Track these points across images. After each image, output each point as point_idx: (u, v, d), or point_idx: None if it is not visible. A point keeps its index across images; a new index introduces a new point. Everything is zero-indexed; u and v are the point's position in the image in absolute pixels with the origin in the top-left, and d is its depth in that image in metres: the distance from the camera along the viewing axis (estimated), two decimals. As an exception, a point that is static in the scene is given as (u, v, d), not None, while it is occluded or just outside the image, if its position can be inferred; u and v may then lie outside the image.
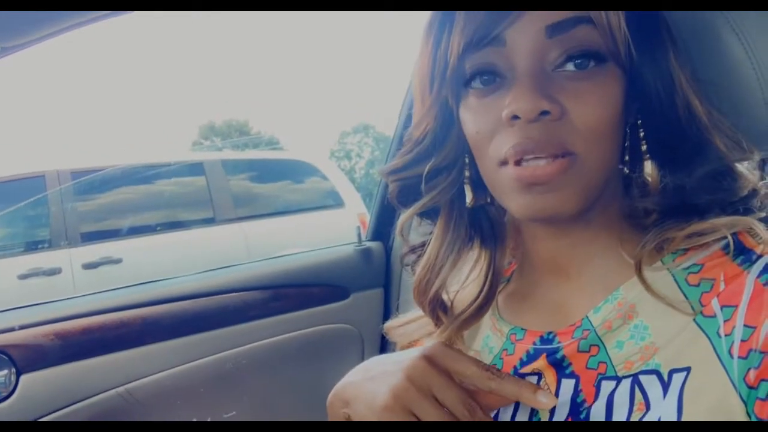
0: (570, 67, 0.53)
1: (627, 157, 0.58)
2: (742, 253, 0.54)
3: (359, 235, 1.58)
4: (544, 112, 0.51)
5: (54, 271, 3.40)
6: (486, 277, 0.67)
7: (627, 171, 0.59)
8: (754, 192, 0.57)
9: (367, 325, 1.53)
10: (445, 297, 0.68)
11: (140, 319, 1.27)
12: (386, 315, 1.59)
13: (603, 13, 0.53)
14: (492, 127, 0.55)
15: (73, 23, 0.77)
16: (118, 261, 3.55)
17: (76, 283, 3.38)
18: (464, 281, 0.68)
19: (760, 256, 0.53)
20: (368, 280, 1.57)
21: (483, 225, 0.67)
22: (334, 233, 2.37)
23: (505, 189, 0.56)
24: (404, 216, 0.67)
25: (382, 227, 1.60)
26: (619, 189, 0.61)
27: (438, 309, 0.68)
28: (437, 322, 0.68)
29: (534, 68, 0.53)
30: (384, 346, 1.51)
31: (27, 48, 0.78)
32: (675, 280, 0.55)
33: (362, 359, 0.97)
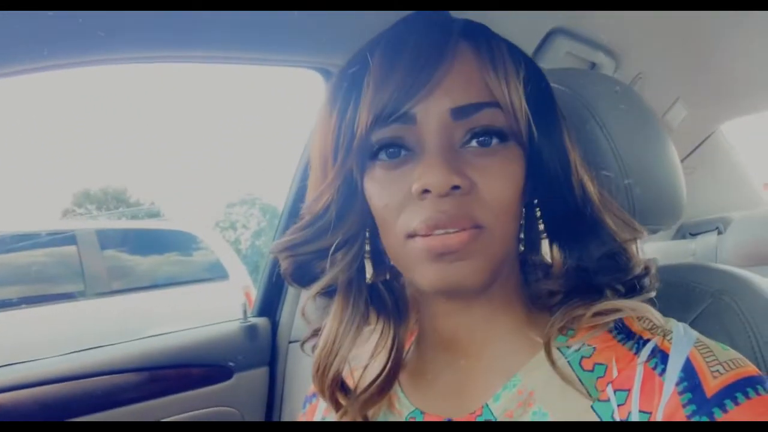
0: (474, 144, 0.55)
1: (522, 235, 0.61)
2: (630, 337, 0.56)
3: (245, 311, 1.53)
4: (455, 187, 0.52)
5: None
6: (389, 354, 0.64)
7: (522, 248, 0.61)
8: (646, 271, 0.61)
9: (250, 408, 1.46)
10: (348, 380, 0.65)
11: (-8, 409, 1.13)
12: (271, 396, 1.53)
13: (507, 96, 0.55)
14: (400, 200, 0.55)
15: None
16: (-29, 339, 3.20)
17: None
18: (368, 361, 0.65)
19: (647, 340, 0.55)
20: (253, 358, 1.51)
21: (384, 300, 0.66)
22: (217, 306, 2.27)
23: (413, 261, 0.56)
24: (307, 296, 0.64)
25: (270, 302, 1.56)
26: (516, 267, 0.63)
27: (337, 392, 0.65)
28: (337, 406, 0.65)
29: (443, 145, 0.54)
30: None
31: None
32: (569, 364, 0.57)
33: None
